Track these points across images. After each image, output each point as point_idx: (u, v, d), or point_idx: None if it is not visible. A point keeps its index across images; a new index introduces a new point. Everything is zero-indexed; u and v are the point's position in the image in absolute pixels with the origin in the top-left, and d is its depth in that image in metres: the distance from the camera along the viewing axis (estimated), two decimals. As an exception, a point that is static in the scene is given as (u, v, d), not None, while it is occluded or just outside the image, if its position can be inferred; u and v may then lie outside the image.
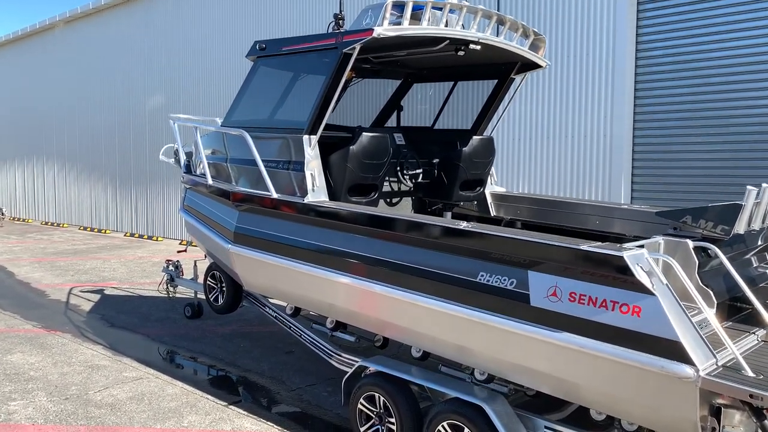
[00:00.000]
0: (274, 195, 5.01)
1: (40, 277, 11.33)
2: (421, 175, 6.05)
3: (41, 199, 22.25)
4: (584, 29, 9.10)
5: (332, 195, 5.01)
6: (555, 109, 9.49)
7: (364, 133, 4.97)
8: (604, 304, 3.21)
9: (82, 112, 19.78)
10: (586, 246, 3.30)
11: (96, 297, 9.57)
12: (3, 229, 19.60)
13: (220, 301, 7.05)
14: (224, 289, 6.99)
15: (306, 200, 4.80)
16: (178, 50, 16.10)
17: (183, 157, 7.02)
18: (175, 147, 8.16)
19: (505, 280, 3.59)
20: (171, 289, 8.50)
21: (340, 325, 5.29)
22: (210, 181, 5.85)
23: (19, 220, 23.18)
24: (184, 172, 6.80)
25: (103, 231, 18.80)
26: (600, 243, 3.36)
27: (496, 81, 6.27)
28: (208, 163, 6.11)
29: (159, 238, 16.77)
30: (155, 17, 16.75)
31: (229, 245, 5.43)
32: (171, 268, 8.48)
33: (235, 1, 14.59)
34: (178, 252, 8.21)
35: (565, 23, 9.25)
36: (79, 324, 8.03)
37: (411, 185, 6.25)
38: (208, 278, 7.19)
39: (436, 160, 6.35)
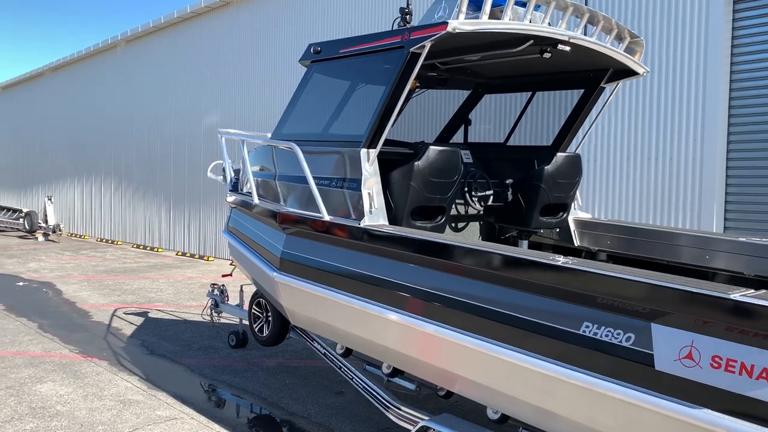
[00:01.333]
0: (326, 217, 4.33)
1: (87, 296, 10.99)
2: (492, 197, 5.28)
3: (98, 215, 22.37)
4: (671, 35, 8.20)
5: (392, 218, 4.31)
6: (636, 126, 8.58)
7: (431, 147, 4.26)
8: (764, 376, 2.38)
9: (140, 131, 19.80)
10: (738, 294, 2.48)
11: (139, 320, 9.09)
12: (59, 245, 19.68)
13: (266, 332, 6.42)
14: (270, 319, 6.36)
15: (362, 224, 4.10)
16: (236, 68, 15.84)
17: (230, 174, 6.45)
18: (223, 164, 7.66)
19: (619, 334, 2.78)
20: (215, 314, 7.93)
21: (398, 371, 4.54)
22: (256, 200, 5.23)
23: (76, 236, 23.38)
24: (230, 190, 6.23)
25: (155, 249, 18.62)
26: (755, 291, 2.53)
27: (582, 91, 5.48)
28: (255, 180, 5.50)
29: (210, 258, 16.41)
30: (214, 35, 16.58)
31: (275, 273, 4.77)
32: (216, 292, 7.93)
33: (304, 18, 14.23)
34: (223, 276, 7.65)
35: (649, 27, 8.37)
36: (118, 350, 7.52)
37: (480, 208, 5.49)
38: (253, 306, 6.58)
39: (509, 181, 5.58)
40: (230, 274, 7.54)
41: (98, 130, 22.10)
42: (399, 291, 3.75)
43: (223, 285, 7.89)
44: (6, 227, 23.31)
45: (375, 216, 4.12)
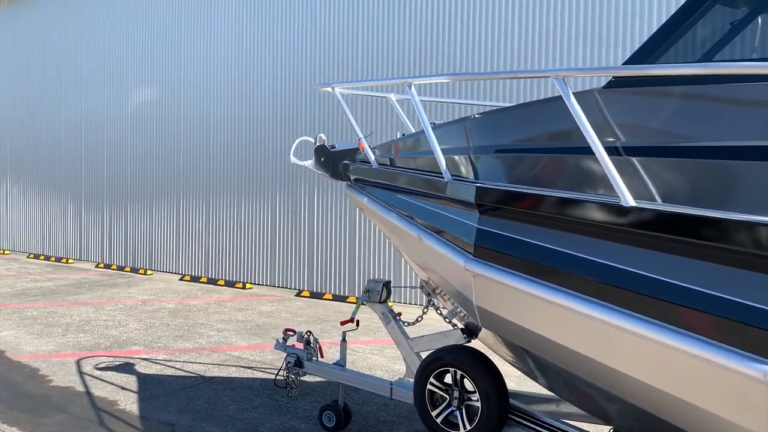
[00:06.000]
0: None
1: (14, 339, 7.49)
2: None
3: (-29, 217, 17.70)
4: None
5: None
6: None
7: None
8: None
9: (32, 112, 15.62)
10: None
11: (128, 381, 5.94)
12: (-77, 257, 15.10)
13: (463, 426, 3.80)
14: (471, 404, 3.80)
15: None
16: (168, 33, 12.48)
17: (418, 153, 3.68)
18: (321, 141, 4.92)
19: None
20: (293, 378, 5.05)
21: None
22: (630, 202, 2.45)
23: (-61, 243, 18.46)
24: (453, 179, 3.45)
25: (64, 260, 14.67)
26: None
27: None
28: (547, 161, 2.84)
29: (149, 272, 12.92)
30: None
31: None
32: (291, 343, 5.06)
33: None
34: (343, 323, 4.73)
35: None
36: (146, 451, 4.47)
37: None
38: (431, 379, 3.94)
39: None
40: (353, 320, 4.69)
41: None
42: None
43: (308, 332, 5.03)
44: None
45: None
